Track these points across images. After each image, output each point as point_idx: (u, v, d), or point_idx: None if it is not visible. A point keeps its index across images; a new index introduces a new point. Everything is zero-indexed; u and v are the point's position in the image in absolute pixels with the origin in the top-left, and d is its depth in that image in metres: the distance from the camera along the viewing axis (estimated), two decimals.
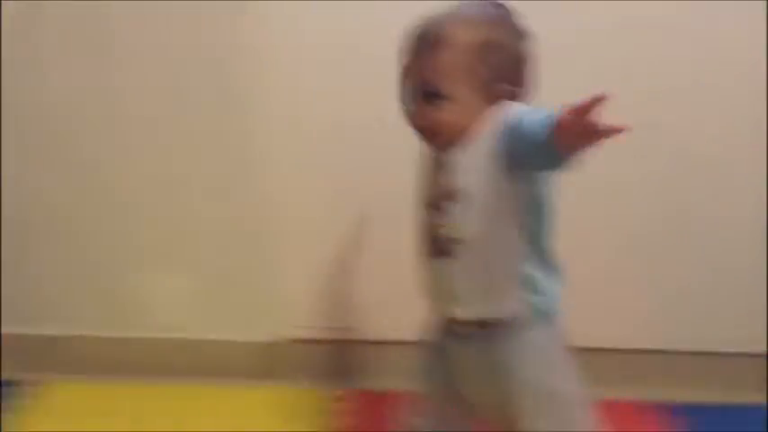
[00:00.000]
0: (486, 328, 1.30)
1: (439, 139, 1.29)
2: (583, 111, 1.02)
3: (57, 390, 1.98)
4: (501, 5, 1.32)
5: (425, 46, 1.27)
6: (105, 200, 2.08)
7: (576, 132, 1.05)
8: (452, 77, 1.25)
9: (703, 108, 2.00)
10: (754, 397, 1.98)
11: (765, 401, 1.96)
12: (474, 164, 1.26)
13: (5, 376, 2.00)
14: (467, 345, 1.33)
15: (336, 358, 2.07)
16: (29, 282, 2.11)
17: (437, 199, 1.31)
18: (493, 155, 1.23)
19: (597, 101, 1.00)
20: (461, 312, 1.31)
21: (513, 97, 1.28)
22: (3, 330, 2.06)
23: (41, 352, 2.09)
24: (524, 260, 1.28)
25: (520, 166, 1.21)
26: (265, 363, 2.08)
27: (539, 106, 1.21)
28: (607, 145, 1.03)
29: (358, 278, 2.04)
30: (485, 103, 1.26)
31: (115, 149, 2.06)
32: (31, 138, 2.04)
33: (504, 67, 1.28)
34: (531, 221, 1.27)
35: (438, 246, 1.31)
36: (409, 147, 1.33)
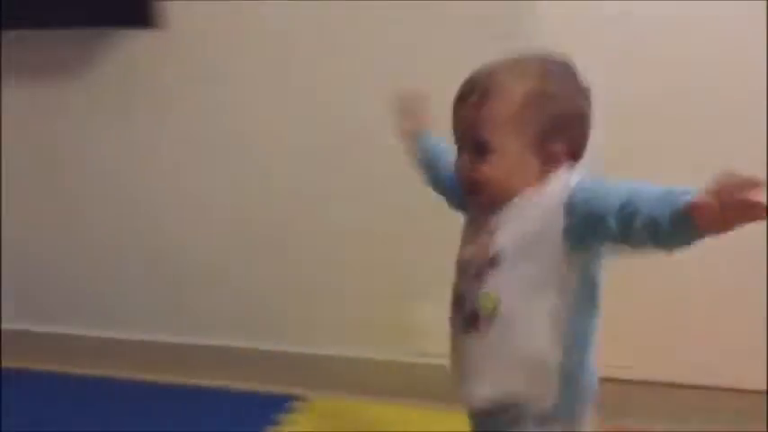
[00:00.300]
0: (496, 415, 1.20)
1: (485, 195, 1.19)
2: (733, 191, 0.91)
3: (318, 404, 2.23)
4: (563, 60, 1.22)
5: (477, 95, 1.18)
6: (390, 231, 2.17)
7: (726, 215, 0.93)
8: (502, 129, 1.16)
9: None
10: None
11: None
12: (521, 228, 1.15)
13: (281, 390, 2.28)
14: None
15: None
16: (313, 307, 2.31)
17: (474, 264, 1.20)
18: (553, 225, 1.11)
19: (752, 184, 0.90)
20: (478, 393, 1.21)
21: (568, 158, 1.18)
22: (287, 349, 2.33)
23: (309, 369, 2.31)
24: (560, 344, 1.15)
25: (593, 240, 1.11)
26: None
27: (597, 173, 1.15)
28: None
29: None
30: (537, 161, 1.17)
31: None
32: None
33: (559, 124, 1.17)
34: (578, 302, 1.15)
35: (467, 317, 1.20)
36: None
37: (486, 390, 1.19)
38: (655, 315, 2.08)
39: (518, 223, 1.16)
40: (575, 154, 1.19)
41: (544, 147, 1.16)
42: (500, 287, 1.16)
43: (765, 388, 2.03)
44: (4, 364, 2.44)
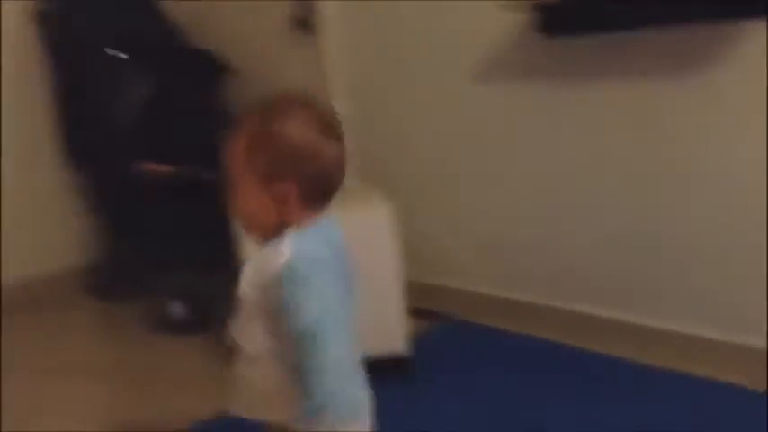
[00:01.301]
0: None
1: (247, 230, 1.27)
2: None
3: None
4: (303, 99, 1.26)
5: (233, 131, 1.24)
6: None
7: None
8: (239, 167, 1.21)
9: None
10: None
11: None
12: (254, 278, 1.23)
13: None
14: None
15: None
16: None
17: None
18: (274, 287, 1.19)
19: None
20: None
21: (303, 198, 1.21)
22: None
23: None
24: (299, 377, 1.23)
25: None
26: None
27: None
28: None
29: None
30: (270, 200, 1.20)
31: None
32: None
33: (285, 163, 1.19)
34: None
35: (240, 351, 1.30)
36: None
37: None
38: None
39: (254, 272, 1.23)
40: (309, 194, 1.22)
41: (272, 185, 1.19)
42: (242, 327, 1.26)
43: None
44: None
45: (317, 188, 1.23)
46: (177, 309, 2.85)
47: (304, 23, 2.86)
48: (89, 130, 3.17)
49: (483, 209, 2.79)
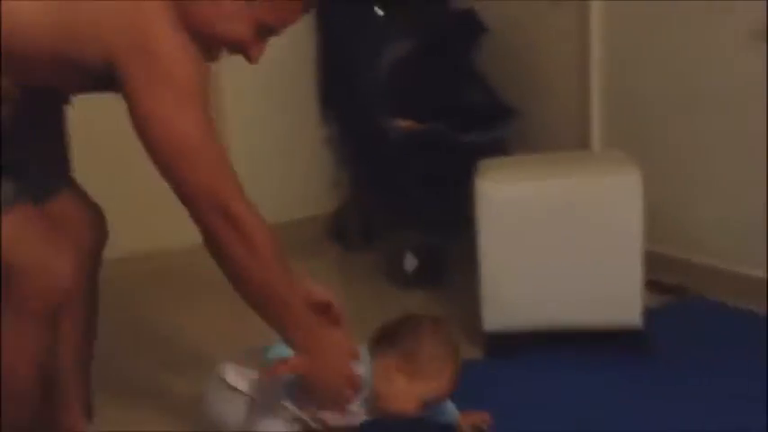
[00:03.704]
0: None
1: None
2: None
3: None
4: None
5: None
6: None
7: None
8: None
9: None
10: None
11: None
12: None
13: None
14: None
15: None
16: None
17: None
18: None
19: None
20: None
21: None
22: None
23: None
24: None
25: None
26: None
27: None
28: None
29: None
30: None
31: None
32: None
33: None
34: None
35: None
36: None
37: None
38: None
39: None
40: None
41: None
42: None
43: None
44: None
45: None
46: (411, 262, 2.91)
47: None
48: (345, 85, 3.28)
49: (737, 180, 2.62)
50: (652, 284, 2.53)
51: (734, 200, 2.65)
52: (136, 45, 1.43)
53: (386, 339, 1.77)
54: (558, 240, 2.20)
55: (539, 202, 2.21)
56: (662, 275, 2.66)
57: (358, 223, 3.42)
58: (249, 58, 1.54)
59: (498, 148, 2.93)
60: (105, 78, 1.46)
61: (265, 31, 1.54)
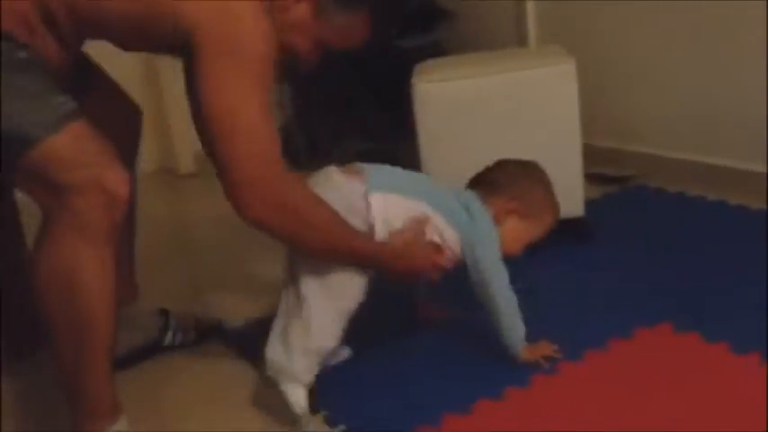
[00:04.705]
0: None
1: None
2: None
3: None
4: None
5: None
6: None
7: None
8: None
9: None
10: None
11: None
12: None
13: None
14: None
15: None
16: None
17: None
18: None
19: None
20: None
21: None
22: None
23: None
24: None
25: None
26: None
27: None
28: None
29: None
30: None
31: None
32: None
33: None
34: None
35: None
36: None
37: None
38: None
39: None
40: None
41: None
42: None
43: None
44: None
45: None
46: None
47: None
48: None
49: (675, 69, 2.65)
50: (595, 177, 2.58)
51: (668, 88, 2.68)
52: (217, 17, 1.43)
53: (490, 184, 1.80)
54: (497, 136, 2.21)
55: (475, 98, 2.21)
56: (605, 168, 2.71)
57: (304, 139, 3.41)
58: (297, 69, 1.55)
59: (437, 52, 2.92)
60: (169, 42, 1.48)
61: (323, 48, 1.54)
